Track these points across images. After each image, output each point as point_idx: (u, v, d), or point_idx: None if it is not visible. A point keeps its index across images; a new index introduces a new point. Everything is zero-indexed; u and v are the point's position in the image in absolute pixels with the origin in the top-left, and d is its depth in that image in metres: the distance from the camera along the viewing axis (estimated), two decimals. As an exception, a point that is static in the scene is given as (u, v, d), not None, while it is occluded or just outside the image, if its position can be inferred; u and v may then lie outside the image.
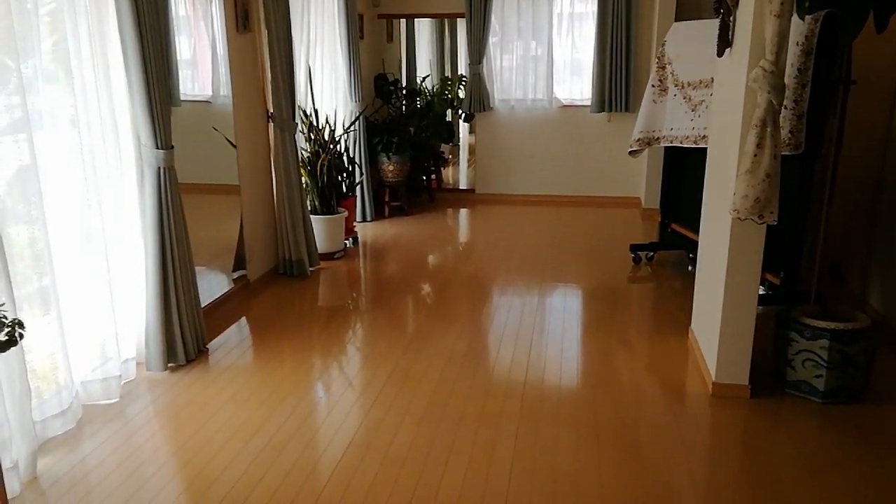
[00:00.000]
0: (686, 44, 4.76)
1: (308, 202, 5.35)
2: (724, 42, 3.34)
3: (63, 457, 2.80)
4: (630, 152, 5.12)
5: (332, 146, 5.49)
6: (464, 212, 7.32)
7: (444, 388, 3.38)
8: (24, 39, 2.74)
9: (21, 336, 2.26)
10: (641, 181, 7.10)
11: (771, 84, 2.75)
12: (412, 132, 7.19)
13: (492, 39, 7.18)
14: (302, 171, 5.27)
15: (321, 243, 5.40)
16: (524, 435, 2.97)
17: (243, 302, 4.57)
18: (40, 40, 2.86)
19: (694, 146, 4.63)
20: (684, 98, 4.73)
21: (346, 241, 5.76)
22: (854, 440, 2.94)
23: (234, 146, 4.52)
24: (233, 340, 3.99)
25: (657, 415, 3.17)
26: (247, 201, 4.71)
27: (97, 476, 2.68)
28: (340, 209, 5.61)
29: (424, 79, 8.09)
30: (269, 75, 4.74)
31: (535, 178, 7.47)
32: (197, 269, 3.74)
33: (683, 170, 5.11)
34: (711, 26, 3.64)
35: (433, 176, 7.83)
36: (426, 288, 4.96)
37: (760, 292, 3.24)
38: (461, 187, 8.34)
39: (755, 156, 2.82)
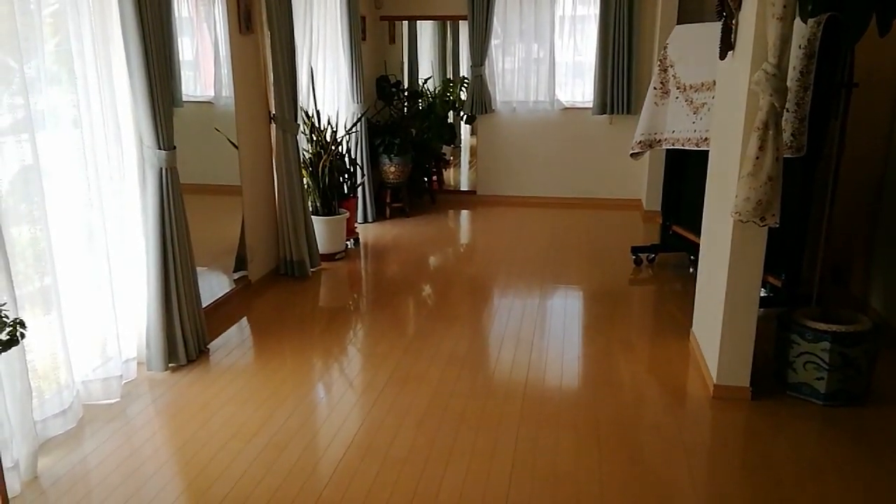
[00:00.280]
0: (688, 46, 4.77)
1: (309, 203, 5.36)
2: (727, 45, 3.34)
3: (63, 456, 2.80)
4: (632, 154, 5.12)
5: (333, 147, 5.50)
6: (465, 213, 7.32)
7: (444, 389, 3.38)
8: (27, 40, 2.74)
9: (22, 335, 2.26)
10: (643, 183, 7.11)
11: (773, 87, 2.75)
12: (414, 134, 7.19)
13: (494, 42, 7.19)
14: (303, 171, 5.27)
15: (322, 244, 5.40)
16: (525, 436, 2.97)
17: (244, 302, 4.58)
18: (43, 41, 2.87)
19: (695, 149, 4.63)
20: (686, 100, 4.73)
21: (348, 242, 5.77)
22: (855, 443, 2.94)
23: (236, 147, 4.53)
24: (234, 341, 4.00)
25: (658, 416, 3.16)
26: (248, 202, 4.72)
27: (98, 476, 2.68)
28: (342, 210, 5.61)
29: (426, 81, 8.09)
30: (272, 76, 4.75)
31: (536, 180, 7.48)
32: (198, 269, 3.74)
33: (685, 172, 5.11)
34: (713, 29, 3.65)
35: (434, 177, 7.83)
36: (427, 289, 4.96)
37: (762, 294, 3.24)
38: (462, 189, 8.34)
39: (757, 158, 2.82)
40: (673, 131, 4.85)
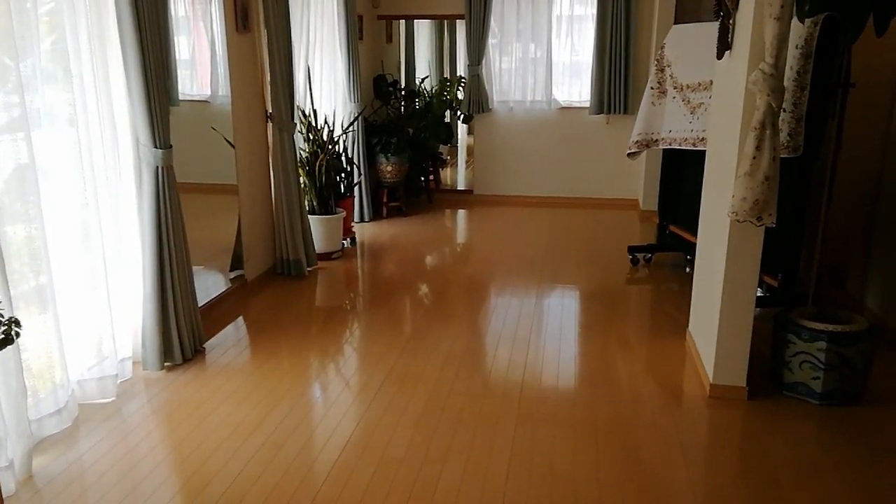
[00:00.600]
0: (685, 46, 4.77)
1: (306, 202, 5.35)
2: (724, 45, 3.34)
3: (59, 455, 2.79)
4: (628, 154, 5.13)
5: (330, 146, 5.49)
6: (462, 213, 7.32)
7: (441, 389, 3.38)
8: (22, 39, 2.73)
9: (17, 334, 2.25)
10: (639, 183, 7.11)
11: (770, 87, 2.76)
12: (411, 133, 7.18)
13: (491, 41, 7.18)
14: (300, 171, 5.26)
15: (319, 243, 5.39)
16: (522, 435, 2.97)
17: (240, 301, 4.57)
18: (39, 39, 2.86)
19: (692, 148, 4.64)
20: (683, 100, 4.73)
21: (344, 242, 5.76)
22: (851, 442, 2.94)
23: (233, 146, 4.52)
24: (230, 340, 3.99)
25: (655, 416, 3.17)
26: (245, 201, 4.71)
27: (93, 475, 2.67)
28: (338, 209, 5.60)
29: (423, 80, 8.09)
30: (269, 75, 4.74)
31: (533, 180, 7.48)
32: (194, 268, 3.73)
33: (681, 172, 5.11)
34: (710, 29, 3.65)
35: (431, 177, 7.83)
36: (424, 288, 4.96)
37: (758, 294, 3.24)
38: (459, 188, 8.34)
39: (754, 158, 2.83)
40: (670, 131, 4.85)
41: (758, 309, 3.28)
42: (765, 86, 2.76)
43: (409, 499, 2.55)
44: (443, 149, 8.11)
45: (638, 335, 4.10)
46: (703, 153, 4.02)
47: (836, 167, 3.50)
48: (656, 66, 4.97)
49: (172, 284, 3.50)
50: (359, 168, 6.44)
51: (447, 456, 2.81)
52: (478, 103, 7.27)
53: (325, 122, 5.65)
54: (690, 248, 4.72)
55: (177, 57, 4.09)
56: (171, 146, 3.43)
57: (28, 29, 2.76)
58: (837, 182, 3.71)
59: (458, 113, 7.68)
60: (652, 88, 4.98)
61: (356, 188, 6.43)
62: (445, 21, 8.59)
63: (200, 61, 4.48)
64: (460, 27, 7.94)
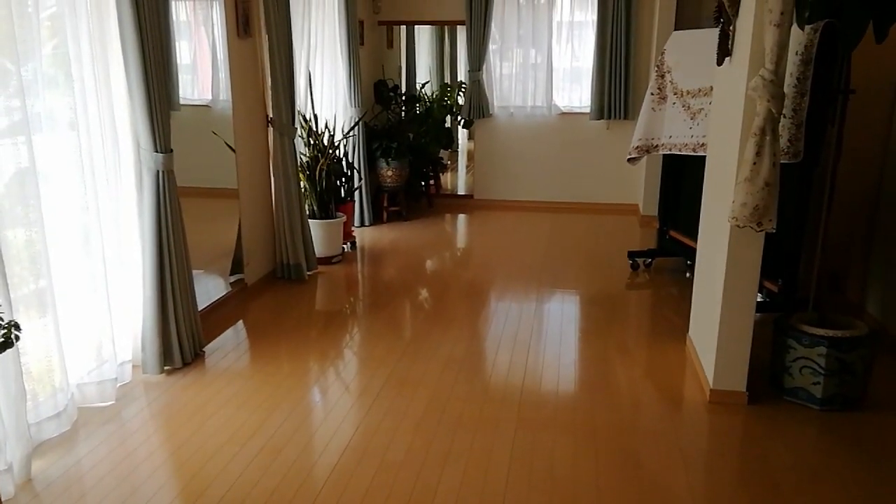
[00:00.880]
0: (685, 52, 4.78)
1: (307, 206, 5.35)
2: (724, 51, 3.35)
3: (58, 459, 2.79)
4: (629, 159, 5.13)
5: (331, 151, 5.50)
6: (462, 217, 7.32)
7: (441, 393, 3.37)
8: (24, 43, 2.74)
9: (17, 338, 2.25)
10: (640, 188, 7.12)
11: (770, 93, 2.76)
12: (411, 138, 7.19)
13: (491, 47, 7.20)
14: (301, 175, 5.27)
15: (319, 248, 5.40)
16: (522, 440, 2.96)
17: (240, 305, 4.57)
18: (41, 44, 2.86)
19: (693, 154, 4.64)
20: (683, 106, 4.74)
21: (344, 246, 5.76)
22: (851, 448, 2.94)
23: (234, 150, 4.53)
24: (229, 344, 3.99)
25: (655, 421, 3.16)
26: (245, 205, 4.71)
27: (92, 479, 2.67)
28: (339, 214, 5.61)
29: (424, 85, 8.10)
30: (269, 80, 4.75)
31: (533, 185, 7.48)
32: (194, 272, 3.73)
33: (682, 177, 5.12)
34: (710, 35, 3.66)
35: (432, 181, 7.84)
36: (424, 293, 4.96)
37: (758, 299, 3.24)
38: (460, 193, 8.35)
39: (754, 164, 2.83)
40: (670, 136, 4.86)
41: (758, 314, 3.27)
42: (765, 92, 2.77)
43: (409, 503, 2.54)
44: (443, 154, 8.12)
45: (638, 340, 4.10)
46: (703, 158, 4.03)
47: (835, 173, 3.50)
48: (656, 71, 4.98)
49: (172, 288, 3.50)
50: (359, 172, 6.45)
51: (447, 460, 2.81)
52: (478, 108, 7.28)
53: (326, 126, 5.66)
54: (690, 254, 4.72)
55: (178, 61, 4.11)
56: (171, 150, 3.44)
57: (30, 33, 2.77)
58: (837, 188, 3.72)
59: (459, 118, 7.70)
60: (652, 94, 4.99)
61: (357, 193, 6.44)
62: (446, 27, 8.62)
63: (201, 66, 4.49)
64: (461, 33, 7.96)
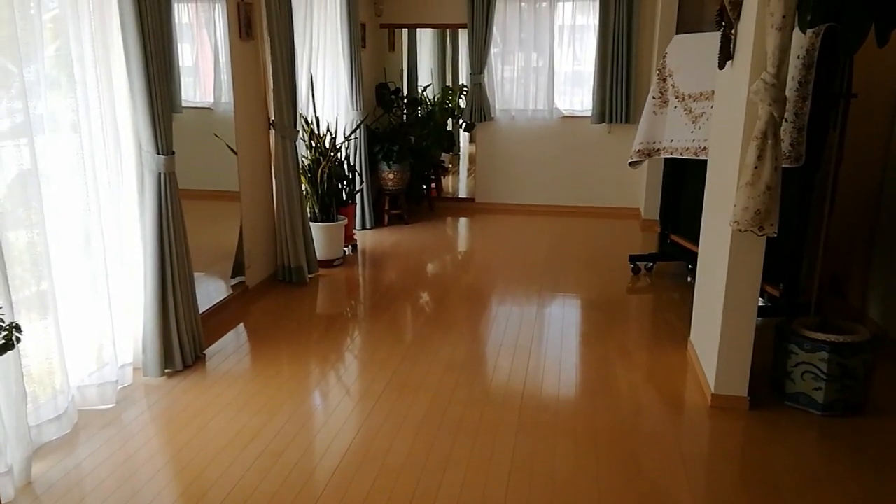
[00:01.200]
0: (687, 56, 4.78)
1: (308, 209, 5.35)
2: (726, 54, 3.35)
3: (58, 462, 2.78)
4: (630, 163, 5.13)
5: (332, 154, 5.50)
6: (463, 220, 7.32)
7: (442, 396, 3.37)
8: (27, 45, 2.74)
9: (18, 340, 2.25)
10: (641, 192, 7.12)
11: (772, 97, 2.76)
12: (413, 141, 7.20)
13: (493, 50, 7.21)
14: (302, 178, 5.27)
15: (320, 250, 5.39)
16: (522, 443, 2.96)
17: (241, 308, 4.57)
18: (43, 46, 2.86)
19: (694, 158, 4.64)
20: (685, 110, 4.74)
21: (346, 249, 5.76)
22: (853, 453, 2.93)
23: (235, 153, 4.53)
24: (230, 347, 3.98)
25: (656, 425, 3.15)
26: (247, 208, 4.71)
27: (92, 482, 2.66)
28: (340, 217, 5.61)
29: (426, 88, 8.11)
30: (271, 83, 4.76)
31: (534, 188, 7.48)
32: (195, 274, 3.73)
33: (683, 181, 5.11)
34: (712, 39, 3.66)
35: (433, 184, 7.84)
36: (425, 296, 4.96)
37: (760, 304, 3.24)
38: (461, 196, 8.35)
39: (756, 168, 2.83)
40: (672, 140, 4.86)
41: (759, 319, 3.27)
42: (766, 96, 2.77)
43: (409, 507, 2.54)
44: (445, 157, 8.12)
45: (639, 344, 4.09)
46: (704, 162, 4.02)
47: (837, 177, 3.50)
48: (658, 75, 4.98)
49: (174, 290, 3.50)
50: (361, 175, 6.45)
51: (447, 464, 2.80)
52: (480, 112, 7.28)
53: (328, 129, 5.67)
54: (692, 258, 4.72)
55: (180, 64, 4.11)
56: (173, 153, 3.44)
57: (32, 35, 2.77)
58: (839, 192, 3.71)
59: (460, 121, 7.70)
60: (654, 98, 4.99)
61: (358, 195, 6.44)
62: (448, 30, 8.62)
63: (203, 68, 4.50)
64: (463, 36, 7.96)
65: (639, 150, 5.03)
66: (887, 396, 3.41)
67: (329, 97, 6.12)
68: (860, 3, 2.79)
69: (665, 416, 3.24)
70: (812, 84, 3.39)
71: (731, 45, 3.29)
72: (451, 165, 9.02)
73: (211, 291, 4.42)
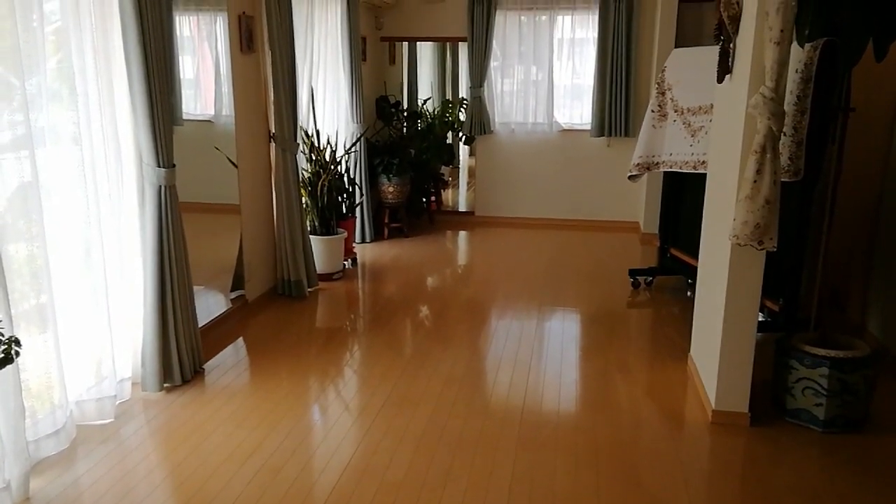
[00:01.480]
0: (686, 70, 4.80)
1: (308, 222, 5.35)
2: (725, 69, 3.36)
3: (56, 477, 2.77)
4: (629, 177, 5.14)
5: (332, 167, 5.51)
6: (463, 234, 7.33)
7: (442, 411, 3.35)
8: (28, 57, 2.75)
9: (17, 354, 2.24)
10: (640, 206, 7.12)
11: (771, 110, 2.77)
12: (413, 154, 7.21)
13: (493, 64, 7.24)
14: (302, 191, 5.28)
15: (320, 264, 5.39)
16: (522, 459, 2.94)
17: (241, 322, 4.55)
18: (45, 58, 2.87)
19: (693, 171, 4.65)
20: (684, 124, 4.76)
21: (346, 262, 5.76)
22: (854, 469, 2.91)
23: (236, 166, 4.53)
24: (229, 361, 3.97)
25: (656, 441, 3.14)
26: (247, 221, 4.71)
27: (90, 497, 2.64)
28: (340, 230, 5.61)
29: (426, 101, 8.14)
30: (272, 96, 4.77)
31: (534, 202, 7.49)
32: (195, 288, 3.73)
33: (682, 195, 5.12)
34: (711, 53, 3.67)
35: (433, 198, 7.84)
36: (425, 310, 4.95)
37: (760, 319, 3.23)
38: (461, 209, 8.36)
39: (755, 182, 2.83)
40: (671, 154, 4.87)
41: (759, 334, 3.26)
42: (765, 110, 2.77)
43: (409, 523, 2.52)
44: (444, 170, 8.13)
45: (639, 359, 4.08)
46: (703, 176, 4.03)
47: (836, 191, 3.50)
48: (657, 89, 5.00)
49: (173, 304, 3.49)
50: (361, 189, 6.46)
51: (447, 479, 2.78)
52: (480, 125, 7.30)
53: (328, 142, 5.68)
54: (691, 272, 4.71)
55: (181, 77, 4.12)
56: (174, 165, 3.44)
57: (34, 47, 2.78)
58: (838, 205, 3.72)
59: (460, 134, 7.72)
60: (653, 112, 5.01)
61: (358, 209, 6.44)
62: (448, 44, 8.66)
63: (204, 81, 4.51)
64: (462, 49, 8.00)
65: (638, 164, 5.04)
66: (888, 412, 3.39)
67: (329, 110, 6.14)
68: (858, 17, 2.80)
69: (666, 432, 3.23)
70: (811, 98, 3.40)
71: (730, 60, 3.30)
72: (450, 179, 9.03)
73: (210, 305, 4.41)
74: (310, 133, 5.49)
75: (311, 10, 5.58)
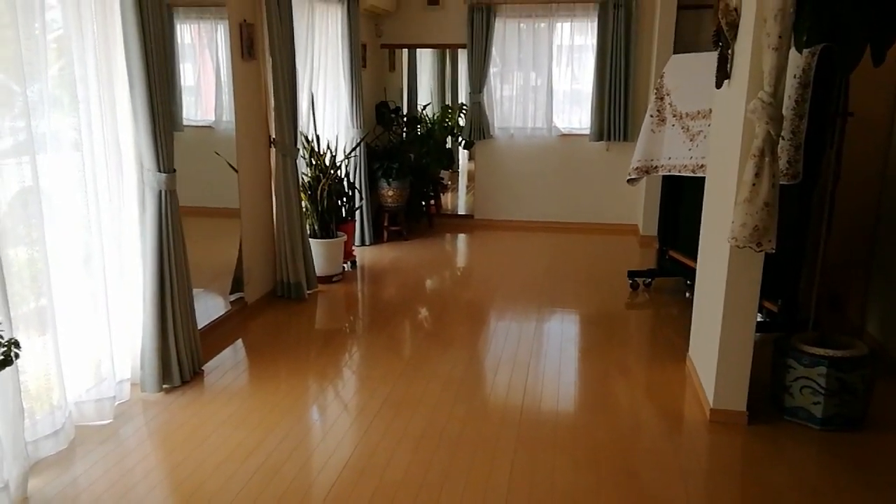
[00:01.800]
0: (684, 75, 4.83)
1: (307, 226, 5.37)
2: (723, 74, 3.38)
3: (54, 478, 2.77)
4: (628, 180, 5.16)
5: (332, 171, 5.53)
6: (462, 237, 7.34)
7: (440, 412, 3.36)
8: (30, 65, 2.77)
9: (17, 356, 2.26)
10: (639, 208, 7.14)
11: (769, 115, 2.79)
12: (412, 158, 7.24)
13: (492, 69, 7.27)
14: (302, 195, 5.30)
15: (319, 267, 5.40)
16: (521, 460, 2.95)
17: (240, 324, 4.57)
18: (47, 65, 2.89)
19: (692, 175, 4.67)
20: (682, 128, 4.78)
21: (345, 265, 5.77)
22: (852, 468, 2.92)
23: (236, 170, 4.55)
24: (228, 362, 3.98)
25: (655, 440, 3.15)
26: (246, 224, 4.73)
27: (88, 498, 2.65)
28: (339, 233, 5.62)
29: (425, 107, 8.17)
30: (273, 102, 4.79)
31: (533, 205, 7.51)
32: (194, 290, 3.74)
33: (681, 197, 5.14)
34: (709, 59, 3.69)
35: (432, 201, 7.87)
36: (424, 312, 4.96)
37: (758, 319, 3.24)
38: (460, 213, 8.38)
39: (753, 185, 2.85)
40: (669, 158, 4.89)
41: (758, 334, 3.27)
42: (763, 114, 2.79)
43: (408, 524, 2.53)
44: (444, 174, 8.16)
45: (638, 360, 4.09)
46: (702, 180, 4.05)
47: (834, 194, 3.52)
48: (656, 94, 5.03)
49: (173, 307, 3.50)
50: (360, 192, 6.48)
51: (446, 480, 2.79)
52: (479, 130, 7.33)
53: (328, 147, 5.70)
54: (690, 274, 4.73)
55: (182, 83, 4.15)
56: (174, 170, 3.46)
57: (36, 55, 2.80)
58: (836, 208, 3.74)
59: (460, 139, 7.75)
60: (651, 116, 5.03)
61: (358, 212, 6.46)
62: (447, 50, 8.70)
63: (205, 87, 4.54)
64: (462, 56, 8.03)
65: (637, 168, 5.06)
66: (886, 411, 3.40)
67: (330, 116, 6.17)
68: (855, 23, 2.82)
69: (664, 431, 3.23)
70: (809, 103, 3.42)
71: (729, 65, 3.32)
72: (450, 183, 9.06)
73: (210, 307, 4.42)
74: (310, 138, 5.51)
75: (312, 18, 5.61)
